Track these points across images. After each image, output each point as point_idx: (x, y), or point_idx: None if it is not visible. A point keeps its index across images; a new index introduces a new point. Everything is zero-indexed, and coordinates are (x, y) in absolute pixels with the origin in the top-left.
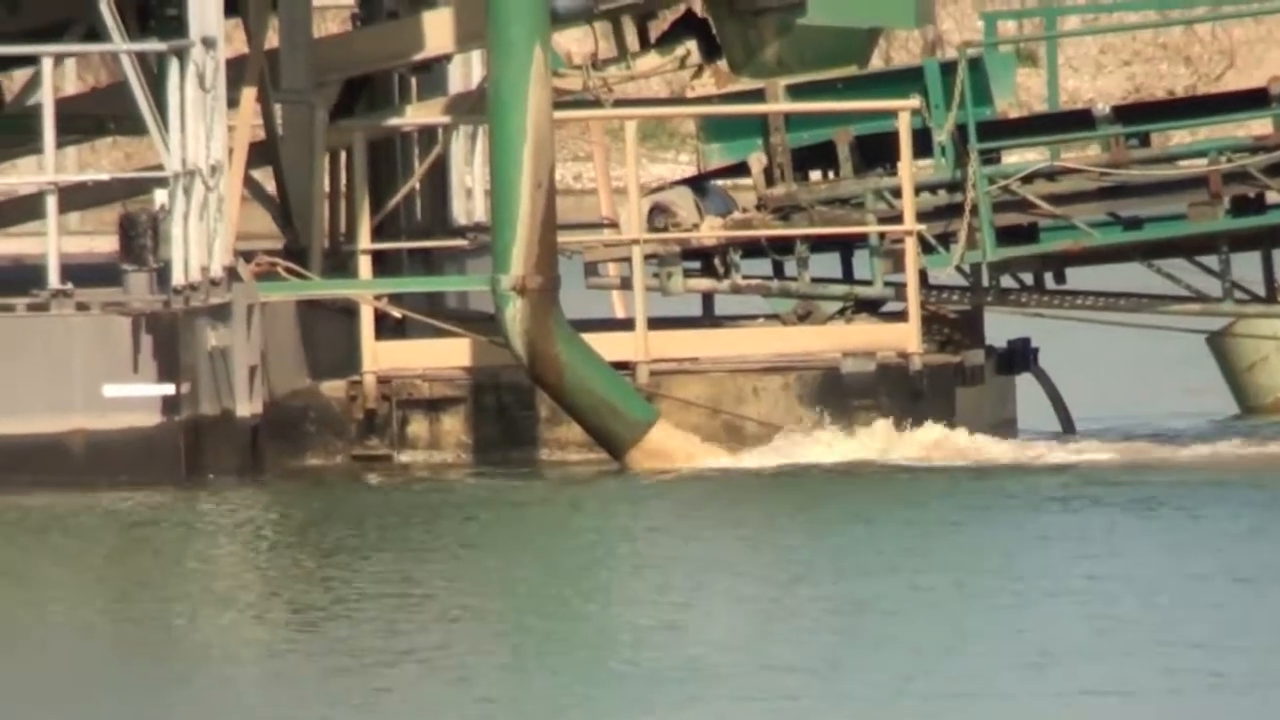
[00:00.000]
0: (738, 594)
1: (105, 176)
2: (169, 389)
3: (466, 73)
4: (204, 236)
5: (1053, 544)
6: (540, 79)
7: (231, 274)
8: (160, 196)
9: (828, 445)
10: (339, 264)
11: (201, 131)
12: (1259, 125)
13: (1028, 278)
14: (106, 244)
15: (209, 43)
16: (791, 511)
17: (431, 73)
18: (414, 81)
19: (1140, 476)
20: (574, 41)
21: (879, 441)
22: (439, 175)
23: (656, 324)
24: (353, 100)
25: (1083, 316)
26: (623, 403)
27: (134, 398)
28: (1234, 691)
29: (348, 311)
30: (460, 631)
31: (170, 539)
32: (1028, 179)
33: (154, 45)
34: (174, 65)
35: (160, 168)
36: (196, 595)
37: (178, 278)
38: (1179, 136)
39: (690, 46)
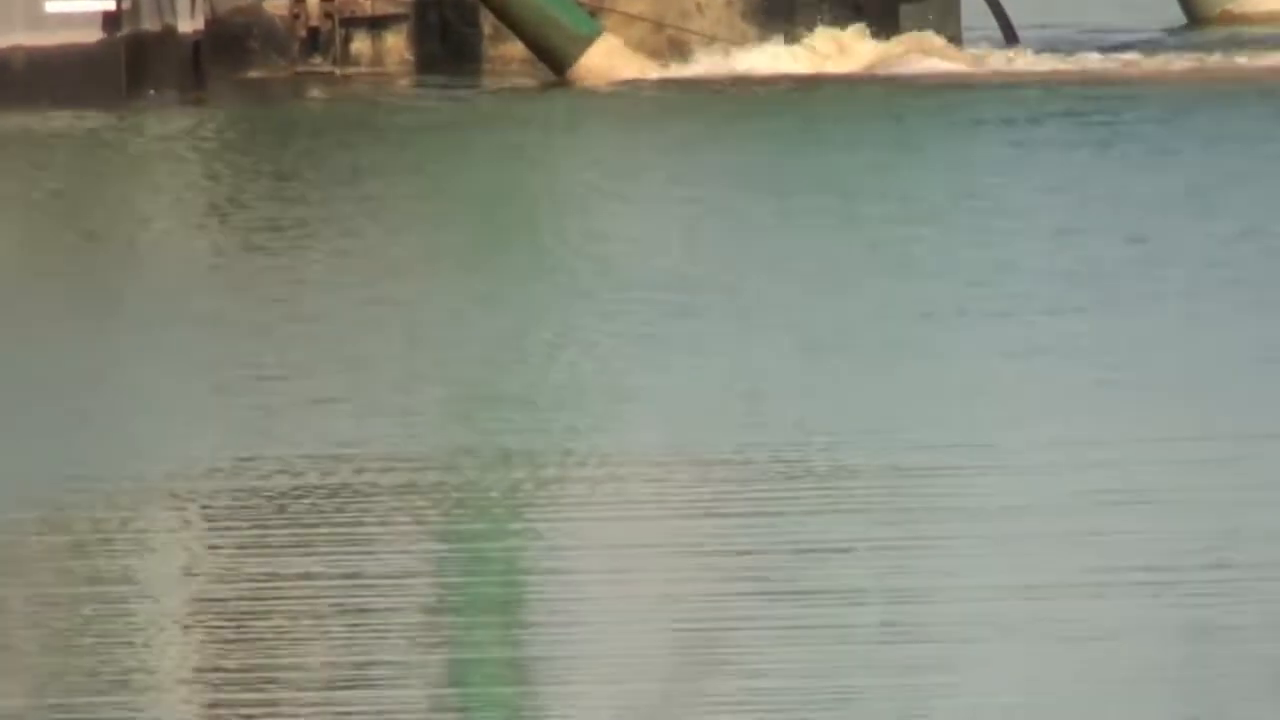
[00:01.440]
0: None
1: None
2: (110, 4)
3: None
4: None
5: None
6: None
7: None
8: None
9: (771, 56)
10: None
11: None
12: None
13: None
14: None
15: None
16: (721, 120)
17: None
18: None
19: (1070, 89)
20: None
21: (820, 55)
22: None
23: None
24: None
25: None
26: (565, 17)
27: (75, 13)
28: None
29: None
30: (403, 237)
31: (116, 152)
32: None
33: None
34: None
35: None
36: (140, 205)
37: None
38: None
39: None
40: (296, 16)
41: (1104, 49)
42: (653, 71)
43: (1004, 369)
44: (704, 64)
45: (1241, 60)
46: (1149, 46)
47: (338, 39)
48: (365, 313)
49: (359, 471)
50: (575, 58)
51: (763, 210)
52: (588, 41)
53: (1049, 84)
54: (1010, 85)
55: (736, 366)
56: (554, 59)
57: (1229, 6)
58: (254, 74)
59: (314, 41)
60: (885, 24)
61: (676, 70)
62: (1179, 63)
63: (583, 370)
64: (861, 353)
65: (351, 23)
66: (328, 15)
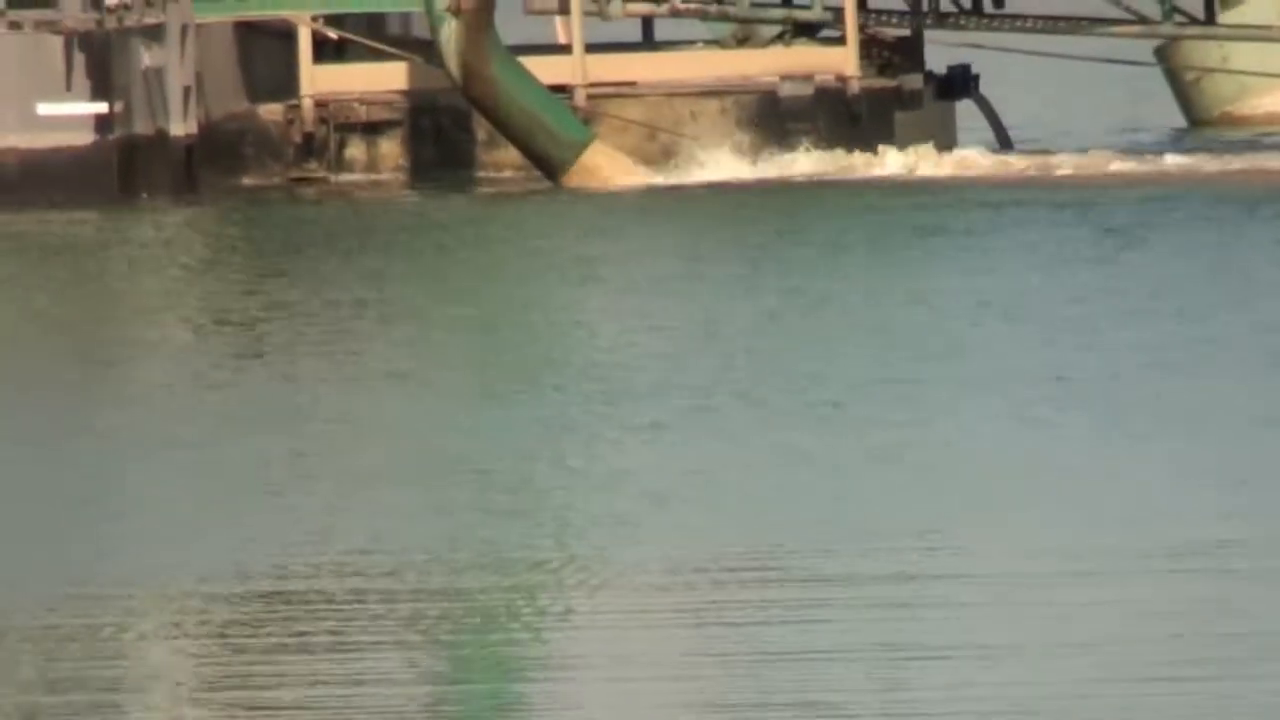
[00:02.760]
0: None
1: None
2: (102, 108)
3: None
4: None
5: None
6: None
7: None
8: None
9: (756, 164)
10: None
11: None
12: None
13: (967, 2)
14: None
15: None
16: (707, 222)
17: None
18: None
19: (1059, 188)
20: None
21: (812, 162)
22: None
23: (597, 49)
24: None
25: (1020, 46)
26: (558, 124)
27: (67, 116)
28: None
29: (286, 35)
30: (389, 332)
31: (103, 252)
32: None
33: None
34: None
35: None
36: (128, 300)
37: None
38: None
39: None
40: (291, 122)
41: (1107, 150)
42: (646, 177)
43: (999, 479)
44: (697, 171)
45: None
46: (1155, 148)
47: (332, 144)
48: (360, 414)
49: (358, 575)
50: (568, 163)
51: (752, 309)
52: (581, 147)
53: (1025, 184)
54: (995, 188)
55: (727, 472)
56: (547, 165)
57: (1228, 109)
58: (248, 179)
59: (309, 147)
60: (881, 132)
61: (670, 177)
62: (1205, 164)
63: (570, 476)
64: (843, 456)
65: (346, 128)
66: (322, 121)
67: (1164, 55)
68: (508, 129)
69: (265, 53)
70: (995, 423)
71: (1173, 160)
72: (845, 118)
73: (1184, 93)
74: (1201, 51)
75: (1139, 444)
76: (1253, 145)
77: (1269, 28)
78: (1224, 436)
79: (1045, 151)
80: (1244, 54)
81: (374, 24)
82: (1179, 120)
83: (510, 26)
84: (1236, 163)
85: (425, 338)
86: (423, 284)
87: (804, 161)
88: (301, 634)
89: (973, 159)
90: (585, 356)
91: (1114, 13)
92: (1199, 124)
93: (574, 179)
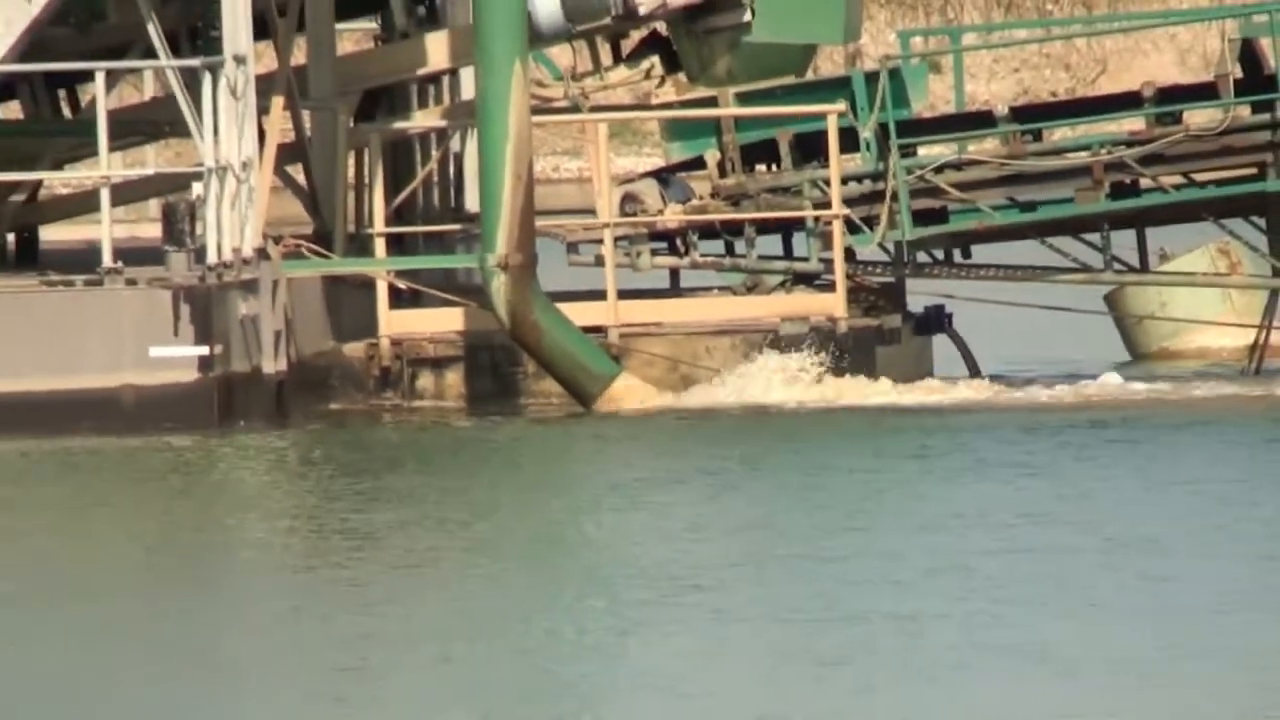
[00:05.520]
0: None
1: (150, 171)
2: (204, 350)
3: None
4: (236, 222)
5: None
6: (520, 88)
7: (261, 253)
8: (197, 188)
9: (769, 390)
10: (361, 245)
11: (234, 133)
12: (1132, 123)
13: (940, 253)
14: (151, 230)
15: (239, 59)
16: (725, 443)
17: (440, 83)
18: (429, 89)
19: (1014, 414)
20: (555, 55)
21: (809, 390)
22: (454, 169)
23: (628, 294)
24: (374, 106)
25: (984, 297)
26: (590, 360)
27: (175, 358)
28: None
29: (367, 285)
30: (447, 538)
31: (203, 471)
32: (938, 169)
33: (191, 62)
34: (209, 79)
35: (201, 165)
36: (229, 517)
37: (212, 257)
38: (1064, 132)
39: (654, 61)
40: (371, 358)
41: (1057, 380)
42: (669, 402)
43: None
44: (711, 396)
45: (1167, 389)
46: (1104, 379)
47: (405, 376)
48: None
49: None
50: (599, 393)
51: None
52: (610, 379)
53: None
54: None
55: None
56: (581, 394)
57: (1166, 345)
58: (334, 406)
59: (385, 379)
60: (865, 364)
61: (688, 401)
62: (1137, 391)
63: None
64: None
65: (417, 363)
66: (397, 356)
67: (1112, 302)
68: (548, 365)
69: (349, 300)
70: None
71: (1114, 385)
72: (834, 352)
73: (1128, 333)
74: (1144, 298)
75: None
76: (1182, 376)
77: (1195, 274)
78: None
79: (1009, 380)
80: (1179, 299)
81: (448, 274)
82: (1124, 355)
83: (554, 274)
84: (1168, 389)
85: (493, 545)
86: (486, 494)
87: (795, 390)
88: None
89: (942, 387)
90: (645, 558)
91: (1064, 263)
92: (1140, 358)
93: (604, 405)
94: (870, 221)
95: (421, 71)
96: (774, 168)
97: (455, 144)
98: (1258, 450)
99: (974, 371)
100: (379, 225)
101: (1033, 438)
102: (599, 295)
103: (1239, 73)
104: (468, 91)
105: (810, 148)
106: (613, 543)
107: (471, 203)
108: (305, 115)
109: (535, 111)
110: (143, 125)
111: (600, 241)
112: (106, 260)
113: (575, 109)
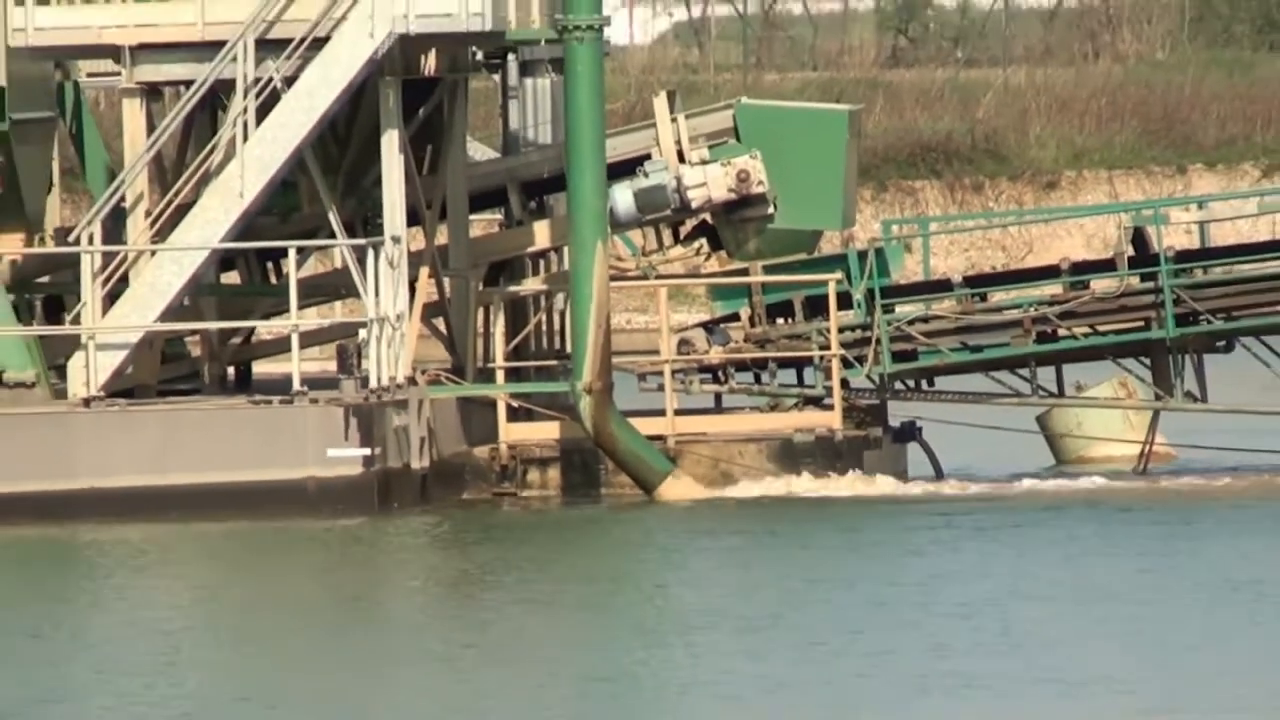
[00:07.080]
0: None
1: (327, 323)
2: (368, 451)
3: None
4: (392, 358)
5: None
6: (601, 262)
7: (410, 380)
8: (364, 334)
9: (785, 484)
10: (486, 375)
11: (391, 294)
12: (1053, 288)
13: (912, 383)
14: (330, 365)
15: (396, 239)
16: (758, 524)
17: (547, 257)
18: (539, 261)
19: (973, 503)
20: (632, 236)
21: (814, 483)
22: (556, 320)
23: (683, 412)
24: (498, 274)
25: (946, 417)
26: (652, 461)
27: (346, 457)
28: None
29: (491, 404)
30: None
31: (373, 543)
32: (911, 322)
33: (360, 241)
34: (373, 254)
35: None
36: (397, 576)
37: (374, 383)
38: (1002, 295)
39: (703, 242)
40: (493, 458)
41: (1000, 479)
42: (711, 493)
43: None
44: (744, 488)
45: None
46: (1034, 478)
47: (519, 472)
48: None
49: None
50: (658, 484)
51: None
52: (665, 475)
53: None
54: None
55: None
56: (646, 485)
57: (1082, 453)
58: (466, 495)
59: (504, 473)
60: (855, 463)
61: (728, 492)
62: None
63: None
64: None
65: (527, 462)
66: (513, 457)
67: (1041, 422)
68: (622, 464)
69: (477, 416)
70: None
71: (1046, 484)
72: (832, 455)
73: (1053, 445)
74: (1065, 419)
75: None
76: (1087, 474)
77: (1100, 399)
78: None
79: (966, 479)
80: (1091, 419)
81: (554, 395)
82: (1051, 461)
83: (629, 396)
84: (1076, 485)
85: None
86: (577, 558)
87: (804, 483)
88: None
89: (914, 485)
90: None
91: (1004, 390)
92: (1062, 464)
93: (662, 495)
94: (861, 359)
95: (532, 249)
96: (790, 320)
97: (558, 302)
98: (1138, 526)
99: (938, 472)
100: (499, 360)
101: (948, 523)
102: (660, 412)
103: (1131, 251)
104: (566, 264)
105: (817, 306)
106: (668, 585)
107: (567, 345)
108: (446, 281)
109: (614, 278)
110: (328, 288)
111: (662, 374)
112: (296, 385)
113: (644, 276)
